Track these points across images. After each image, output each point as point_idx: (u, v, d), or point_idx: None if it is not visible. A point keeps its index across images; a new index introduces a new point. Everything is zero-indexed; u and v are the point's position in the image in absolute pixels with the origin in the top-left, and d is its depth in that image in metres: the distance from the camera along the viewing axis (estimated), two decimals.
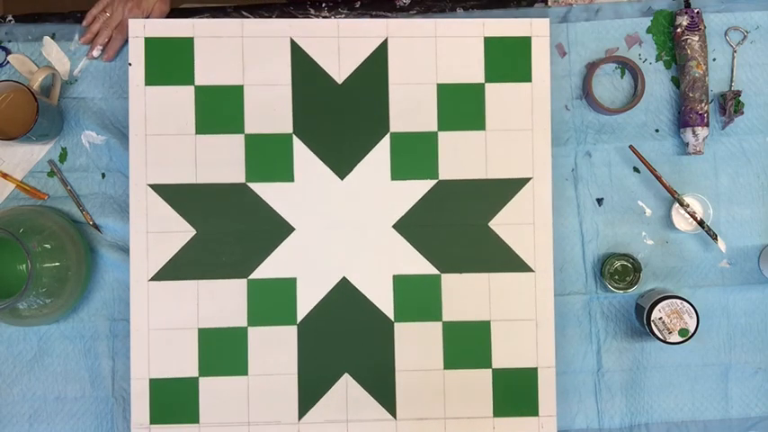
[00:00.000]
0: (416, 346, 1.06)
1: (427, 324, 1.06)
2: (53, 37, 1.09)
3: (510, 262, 1.07)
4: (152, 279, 1.05)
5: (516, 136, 1.07)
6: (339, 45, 1.07)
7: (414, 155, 1.07)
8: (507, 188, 1.07)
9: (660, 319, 1.02)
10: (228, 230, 1.06)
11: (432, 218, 1.07)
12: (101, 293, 1.08)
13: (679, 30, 1.08)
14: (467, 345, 1.06)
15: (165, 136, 1.06)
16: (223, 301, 1.05)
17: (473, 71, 1.08)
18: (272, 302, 1.06)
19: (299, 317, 1.06)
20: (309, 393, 1.05)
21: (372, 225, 1.07)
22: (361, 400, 1.06)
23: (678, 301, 1.02)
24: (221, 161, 1.06)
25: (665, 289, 1.08)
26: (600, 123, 1.10)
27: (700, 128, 1.06)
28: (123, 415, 1.07)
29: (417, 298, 1.06)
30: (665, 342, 1.02)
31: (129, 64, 1.06)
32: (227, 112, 1.06)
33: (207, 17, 1.11)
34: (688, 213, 1.07)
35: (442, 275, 1.07)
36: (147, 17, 1.08)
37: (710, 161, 1.10)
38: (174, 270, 1.05)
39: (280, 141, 1.05)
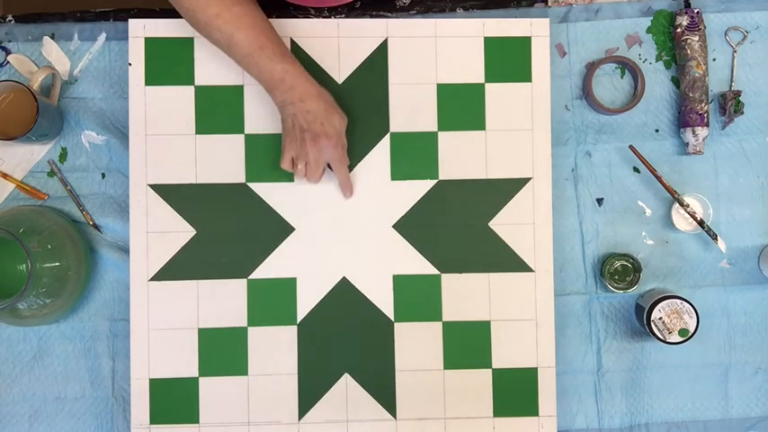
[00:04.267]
0: (416, 346, 1.06)
1: (427, 324, 1.06)
2: (53, 37, 1.09)
3: (510, 262, 1.07)
4: (152, 279, 1.05)
5: (516, 136, 1.07)
6: (339, 45, 1.07)
7: (414, 155, 1.07)
8: (507, 188, 1.07)
9: (660, 319, 1.02)
10: (228, 230, 1.06)
11: (432, 218, 1.07)
12: (101, 293, 1.08)
13: (679, 30, 1.08)
14: (467, 345, 1.06)
15: (165, 136, 1.06)
16: (223, 301, 1.05)
17: (473, 71, 1.08)
18: (272, 302, 1.06)
19: (299, 317, 1.06)
20: (309, 393, 1.05)
21: (372, 225, 1.07)
22: (361, 400, 1.06)
23: (678, 301, 1.02)
24: (221, 161, 1.06)
25: (665, 289, 1.08)
26: (600, 123, 1.10)
27: (700, 128, 1.06)
28: (123, 415, 1.07)
29: (417, 298, 1.06)
30: (665, 342, 1.02)
31: (129, 64, 1.06)
32: (227, 112, 1.06)
33: None
34: (688, 213, 1.07)
35: (442, 275, 1.07)
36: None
37: (710, 161, 1.10)
38: (174, 270, 1.05)
39: (280, 141, 1.05)
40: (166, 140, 1.06)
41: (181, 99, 1.06)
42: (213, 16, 0.94)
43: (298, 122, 0.98)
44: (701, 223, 1.07)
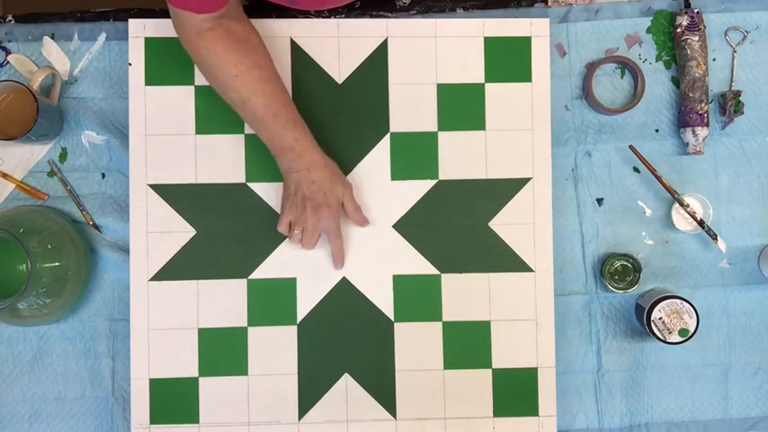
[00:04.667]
0: (416, 346, 1.06)
1: (427, 324, 1.06)
2: (53, 37, 1.09)
3: (510, 262, 1.07)
4: (152, 279, 1.05)
5: (516, 136, 1.07)
6: (339, 45, 1.07)
7: (414, 155, 1.07)
8: (507, 188, 1.07)
9: (660, 319, 1.02)
10: (228, 230, 1.06)
11: (432, 218, 1.07)
12: (101, 293, 1.08)
13: (679, 30, 1.08)
14: (467, 345, 1.06)
15: (165, 136, 1.06)
16: (223, 301, 1.05)
17: (473, 71, 1.08)
18: (272, 302, 1.06)
19: (299, 317, 1.06)
20: (309, 393, 1.05)
21: (372, 225, 1.07)
22: (361, 400, 1.06)
23: (678, 301, 1.02)
24: (221, 161, 1.06)
25: (665, 289, 1.08)
26: (600, 123, 1.10)
27: (700, 128, 1.06)
28: (123, 415, 1.07)
29: (417, 298, 1.06)
30: (665, 342, 1.02)
31: (129, 64, 1.06)
32: (227, 112, 1.06)
33: None
34: (688, 213, 1.07)
35: (442, 275, 1.07)
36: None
37: (710, 161, 1.10)
38: (174, 270, 1.05)
39: None
40: (166, 140, 1.06)
41: (181, 99, 1.06)
42: (232, 77, 0.94)
43: (301, 190, 0.99)
44: (701, 223, 1.07)
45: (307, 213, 1.01)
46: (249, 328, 1.06)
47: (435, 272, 1.07)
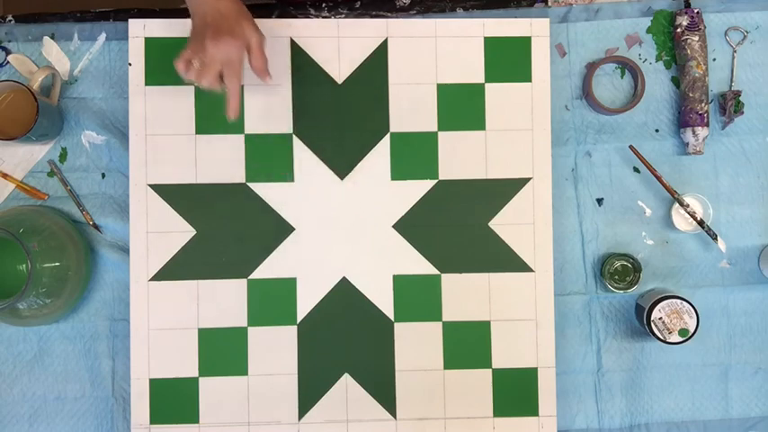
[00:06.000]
0: (416, 346, 1.06)
1: (427, 324, 1.06)
2: (53, 37, 1.09)
3: (510, 262, 1.07)
4: (152, 279, 1.05)
5: (516, 136, 1.07)
6: (339, 45, 1.07)
7: (414, 155, 1.07)
8: (507, 188, 1.07)
9: (660, 319, 1.02)
10: (228, 230, 1.06)
11: (432, 218, 1.07)
12: (101, 293, 1.08)
13: (679, 30, 1.08)
14: (467, 345, 1.06)
15: (165, 136, 1.06)
16: (223, 301, 1.05)
17: (473, 71, 1.08)
18: (272, 302, 1.06)
19: (299, 317, 1.06)
20: (309, 393, 1.05)
21: (372, 225, 1.07)
22: (362, 400, 1.06)
23: (678, 301, 1.02)
24: (221, 161, 1.06)
25: (665, 289, 1.08)
26: (600, 123, 1.10)
27: (700, 128, 1.06)
28: (123, 415, 1.07)
29: (417, 298, 1.06)
30: (665, 342, 1.02)
31: (129, 64, 1.06)
32: None
33: None
34: (688, 213, 1.07)
35: (442, 275, 1.07)
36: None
37: (710, 161, 1.10)
38: (174, 270, 1.05)
39: (280, 141, 1.05)
40: (166, 140, 1.06)
41: (181, 99, 1.06)
42: None
43: (206, 21, 0.92)
44: (701, 223, 1.07)
45: (206, 41, 0.91)
46: (249, 328, 1.06)
47: (435, 272, 1.07)
